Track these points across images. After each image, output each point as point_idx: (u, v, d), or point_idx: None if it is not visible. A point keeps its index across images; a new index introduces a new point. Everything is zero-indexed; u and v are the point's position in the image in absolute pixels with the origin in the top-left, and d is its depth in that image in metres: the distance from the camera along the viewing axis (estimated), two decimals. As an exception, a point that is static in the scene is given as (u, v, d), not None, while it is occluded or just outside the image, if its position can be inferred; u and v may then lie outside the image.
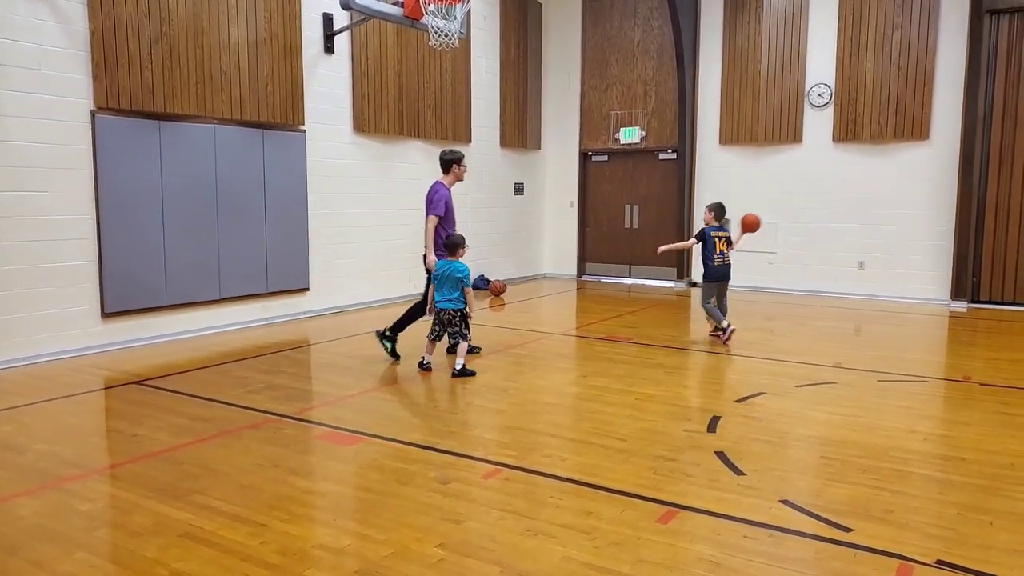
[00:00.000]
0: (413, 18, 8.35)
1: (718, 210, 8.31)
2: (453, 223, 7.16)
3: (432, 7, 8.13)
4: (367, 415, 5.46)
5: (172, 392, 6.06)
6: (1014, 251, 10.54)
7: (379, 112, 10.36)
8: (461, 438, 4.95)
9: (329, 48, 9.54)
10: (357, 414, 5.48)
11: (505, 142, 13.03)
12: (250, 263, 8.83)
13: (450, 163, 7.22)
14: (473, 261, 12.43)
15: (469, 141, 12.13)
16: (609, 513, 3.78)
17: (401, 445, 4.79)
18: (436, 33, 8.06)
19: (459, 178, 7.31)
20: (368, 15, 8.57)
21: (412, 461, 4.51)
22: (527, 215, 13.96)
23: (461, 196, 12.07)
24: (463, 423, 5.28)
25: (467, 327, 6.74)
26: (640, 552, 3.39)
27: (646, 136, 13.27)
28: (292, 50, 9.04)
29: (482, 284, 12.23)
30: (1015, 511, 3.84)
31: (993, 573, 3.22)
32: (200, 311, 8.38)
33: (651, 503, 3.91)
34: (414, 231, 11.18)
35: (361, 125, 10.11)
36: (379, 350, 7.28)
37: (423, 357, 6.81)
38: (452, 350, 7.14)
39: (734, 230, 8.72)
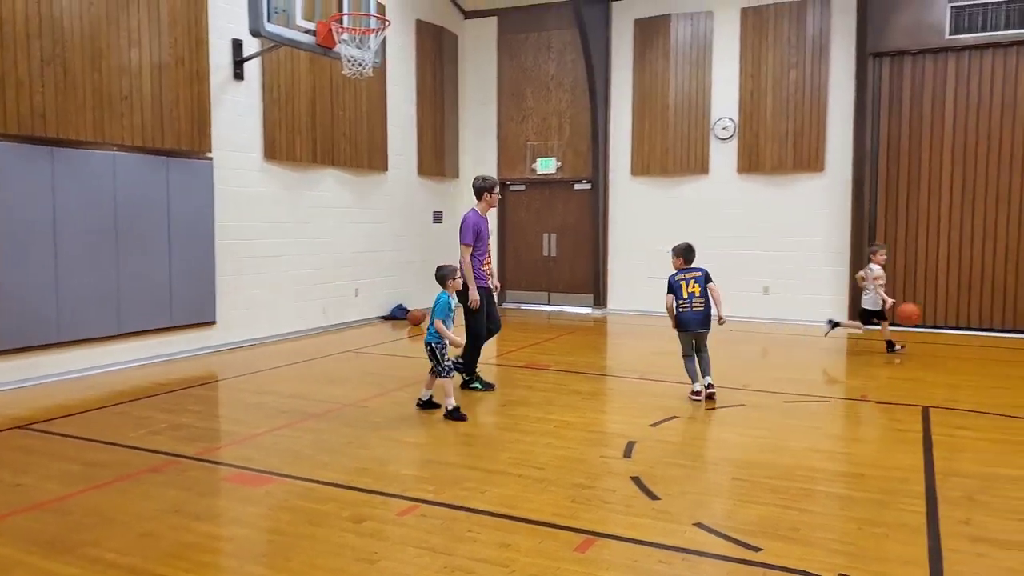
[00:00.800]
0: (326, 47, 8.30)
1: (684, 253, 7.03)
2: (486, 250, 7.12)
3: (345, 36, 8.10)
4: (277, 454, 5.29)
5: (63, 436, 5.71)
6: (903, 275, 11.18)
7: (291, 139, 10.20)
8: (376, 474, 4.85)
9: (239, 74, 9.36)
10: (267, 453, 5.29)
11: (423, 170, 13.03)
12: (152, 296, 8.47)
13: (481, 191, 7.16)
14: (392, 290, 12.34)
15: (385, 169, 12.08)
16: (527, 545, 3.77)
17: (313, 484, 4.65)
18: (350, 62, 8.02)
19: (491, 205, 7.22)
20: (279, 43, 8.46)
21: (325, 501, 4.38)
22: (446, 244, 13.91)
23: (378, 225, 12.01)
24: (378, 459, 5.17)
25: (439, 362, 6.22)
26: (557, 583, 3.38)
27: (562, 167, 13.51)
28: (199, 76, 8.81)
29: (400, 314, 12.12)
30: (907, 523, 4.04)
31: (891, 586, 3.36)
32: (96, 347, 7.97)
33: (569, 532, 3.92)
34: (328, 261, 11.03)
35: (272, 152, 9.92)
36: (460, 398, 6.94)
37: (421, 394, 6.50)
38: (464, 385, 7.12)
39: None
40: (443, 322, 6.20)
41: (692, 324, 6.76)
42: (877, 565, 3.55)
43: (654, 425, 5.96)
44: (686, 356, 6.88)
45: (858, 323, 9.54)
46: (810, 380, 7.84)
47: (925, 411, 6.39)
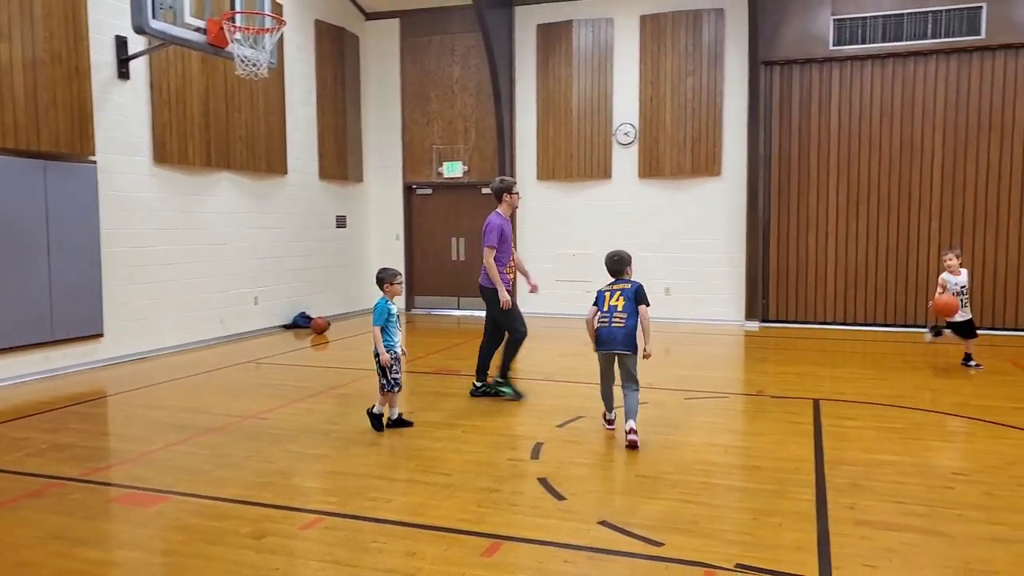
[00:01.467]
0: (217, 46, 7.99)
1: (610, 263, 5.86)
2: (510, 253, 6.96)
3: (238, 35, 7.82)
4: (171, 471, 5.04)
5: (-65, 459, 5.29)
6: (795, 274, 11.74)
7: (183, 142, 9.79)
8: (278, 488, 4.69)
9: (124, 73, 8.90)
10: (159, 471, 5.04)
11: (325, 174, 12.76)
12: (29, 308, 7.93)
13: (500, 192, 7.04)
14: (294, 298, 12.02)
15: (285, 173, 11.76)
16: (433, 552, 3.73)
17: (210, 501, 4.46)
18: (243, 62, 7.76)
19: (513, 206, 7.10)
20: (166, 41, 8.09)
21: (222, 518, 4.21)
22: (351, 249, 13.70)
23: (277, 230, 11.67)
24: (280, 472, 5.02)
25: (383, 373, 5.88)
26: (464, 589, 3.36)
27: (469, 170, 13.51)
28: (79, 73, 8.32)
29: (303, 322, 11.82)
30: (799, 511, 4.22)
31: (782, 570, 3.50)
32: (-28, 364, 7.42)
33: (476, 537, 3.90)
34: (226, 268, 10.65)
35: (162, 156, 9.50)
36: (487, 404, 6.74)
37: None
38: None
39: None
40: (381, 330, 5.88)
41: (607, 342, 5.59)
42: (771, 553, 3.70)
43: (561, 426, 6.02)
44: (602, 380, 5.82)
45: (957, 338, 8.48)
46: (709, 376, 8.11)
47: (815, 403, 6.71)
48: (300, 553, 3.76)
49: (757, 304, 11.76)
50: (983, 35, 10.62)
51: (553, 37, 12.76)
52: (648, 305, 5.64)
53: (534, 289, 7.24)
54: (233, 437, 5.83)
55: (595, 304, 5.77)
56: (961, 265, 8.22)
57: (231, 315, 10.78)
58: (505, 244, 6.87)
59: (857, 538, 3.87)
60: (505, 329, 6.96)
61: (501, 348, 7.03)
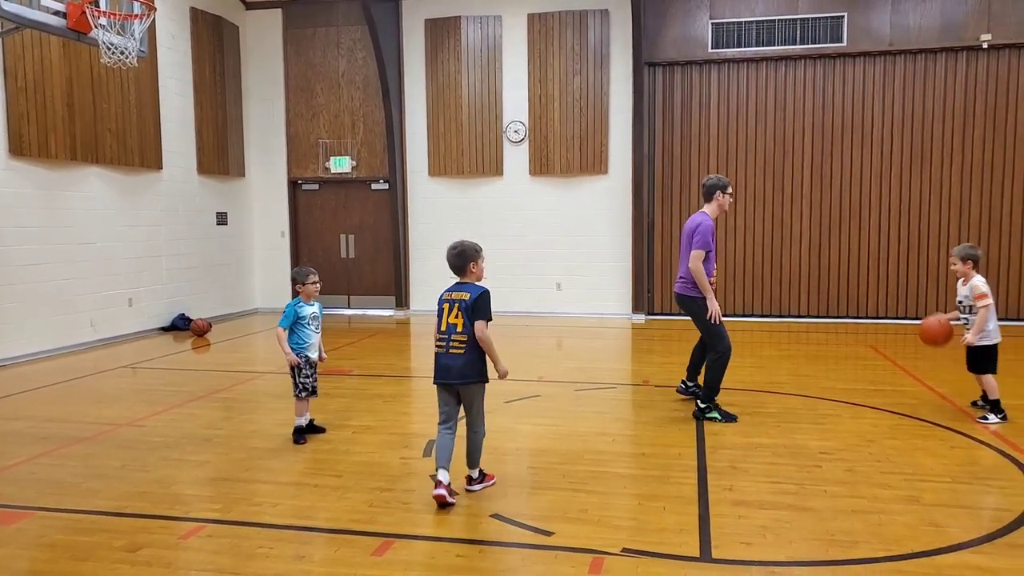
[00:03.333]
0: (80, 31, 7.47)
1: (450, 257, 4.48)
2: (714, 259, 6.23)
3: (104, 21, 7.34)
4: (35, 485, 4.71)
5: None
6: (672, 269, 12.20)
7: (44, 134, 9.14)
8: (155, 497, 4.47)
9: (-23, 60, 8.22)
10: (21, 486, 4.70)
11: (203, 169, 12.22)
12: None
13: (713, 190, 6.21)
14: (172, 299, 11.48)
15: (160, 167, 11.19)
16: (322, 554, 3.66)
17: (79, 515, 4.20)
18: (110, 49, 7.29)
19: (723, 208, 6.25)
20: (20, 24, 7.47)
21: (93, 532, 3.97)
22: (233, 247, 13.19)
23: (152, 228, 11.12)
24: (158, 481, 4.78)
25: (295, 379, 5.59)
26: (354, 589, 3.31)
27: (357, 166, 13.27)
28: (-74, 60, 7.64)
29: (182, 324, 11.29)
30: (682, 495, 4.41)
31: (665, 552, 3.65)
32: None
33: (367, 537, 3.86)
34: (96, 269, 10.04)
35: (19, 149, 8.84)
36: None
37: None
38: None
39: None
40: (289, 332, 5.57)
41: (442, 371, 4.38)
42: (656, 536, 3.84)
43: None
44: (440, 422, 4.48)
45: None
46: (599, 368, 8.33)
47: (697, 392, 6.99)
48: (180, 564, 3.60)
49: (643, 298, 12.16)
50: (845, 43, 11.38)
51: (442, 32, 12.72)
52: (488, 320, 4.31)
53: None
54: (105, 446, 5.51)
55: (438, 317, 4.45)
56: (975, 268, 6.06)
57: (103, 318, 10.16)
58: (711, 250, 6.09)
59: (735, 518, 4.07)
60: (709, 346, 6.16)
61: (704, 368, 6.22)
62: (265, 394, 7.26)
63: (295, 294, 5.81)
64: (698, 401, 6.12)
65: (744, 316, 12.03)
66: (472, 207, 12.92)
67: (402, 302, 13.25)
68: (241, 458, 5.23)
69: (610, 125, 12.28)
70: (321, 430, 5.82)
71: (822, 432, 5.69)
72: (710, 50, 11.80)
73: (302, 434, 5.59)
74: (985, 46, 11.00)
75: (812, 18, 11.44)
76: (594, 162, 12.35)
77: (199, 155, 12.12)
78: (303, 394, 5.61)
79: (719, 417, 6.00)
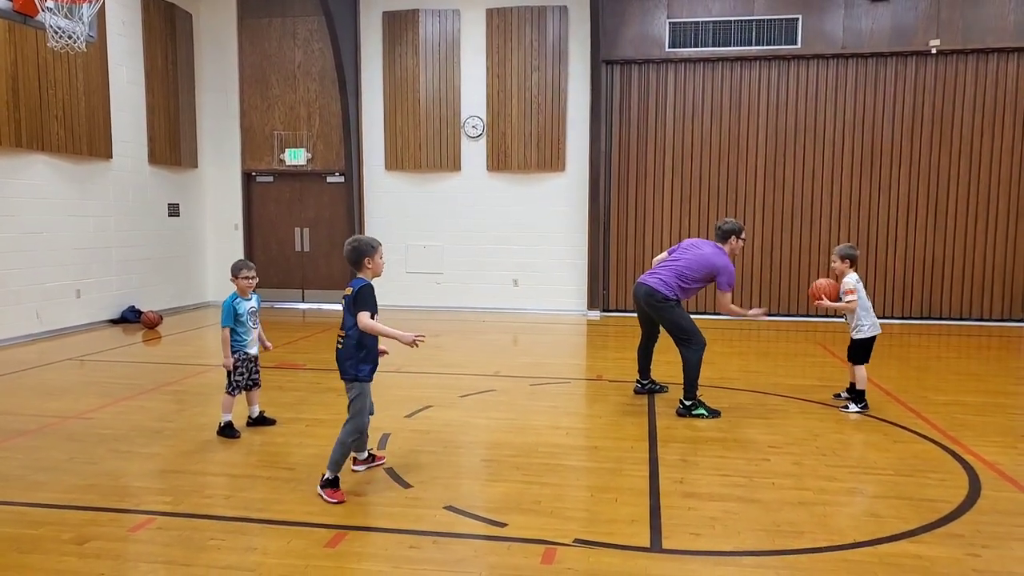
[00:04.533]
0: (25, 13, 7.25)
1: (346, 252, 4.40)
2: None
3: (51, 3, 7.14)
4: (-23, 478, 4.60)
5: None
6: (632, 266, 12.36)
7: (-10, 121, 8.87)
8: (104, 490, 4.40)
9: (-83, 41, 7.93)
10: (-36, 478, 4.58)
11: (155, 159, 11.97)
12: None
13: (729, 234, 6.39)
14: (122, 291, 11.24)
15: (110, 157, 10.93)
16: (275, 546, 3.64)
17: (24, 508, 4.12)
18: (57, 33, 7.10)
19: (734, 252, 6.43)
20: (-34, 6, 7.27)
21: (39, 525, 3.89)
22: (185, 239, 12.94)
23: (101, 218, 10.87)
24: (107, 473, 4.69)
25: (229, 374, 5.57)
26: (307, 581, 3.31)
27: (313, 158, 13.13)
28: None
29: (132, 316, 11.06)
30: (633, 487, 4.49)
31: (616, 543, 3.71)
32: None
33: (320, 529, 3.85)
34: (42, 259, 9.78)
35: (-34, 135, 8.57)
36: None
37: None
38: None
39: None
40: (230, 331, 5.47)
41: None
42: (607, 527, 3.91)
43: (409, 416, 6.03)
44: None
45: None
46: (553, 363, 8.40)
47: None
48: (129, 556, 3.55)
49: (598, 294, 12.28)
50: (799, 44, 11.64)
51: (399, 25, 12.65)
52: (369, 312, 4.21)
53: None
54: (52, 439, 5.38)
55: None
56: (853, 267, 6.32)
57: (49, 309, 9.91)
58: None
59: (685, 509, 4.16)
60: (683, 343, 6.27)
61: (694, 369, 6.25)
62: (217, 387, 7.13)
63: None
64: (682, 399, 6.18)
65: (698, 313, 12.22)
66: (429, 202, 12.89)
67: (358, 296, 13.14)
68: (192, 451, 5.16)
69: (568, 122, 12.36)
70: (271, 422, 5.78)
71: (770, 427, 5.83)
72: (667, 49, 11.95)
73: (233, 429, 5.51)
74: (934, 51, 11.36)
75: (767, 20, 11.67)
76: (551, 159, 12.42)
77: (151, 145, 11.87)
78: (235, 391, 5.55)
79: (705, 413, 6.08)
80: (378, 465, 4.78)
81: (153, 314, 10.79)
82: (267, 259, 13.64)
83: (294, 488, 4.42)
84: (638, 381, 6.89)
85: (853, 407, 6.29)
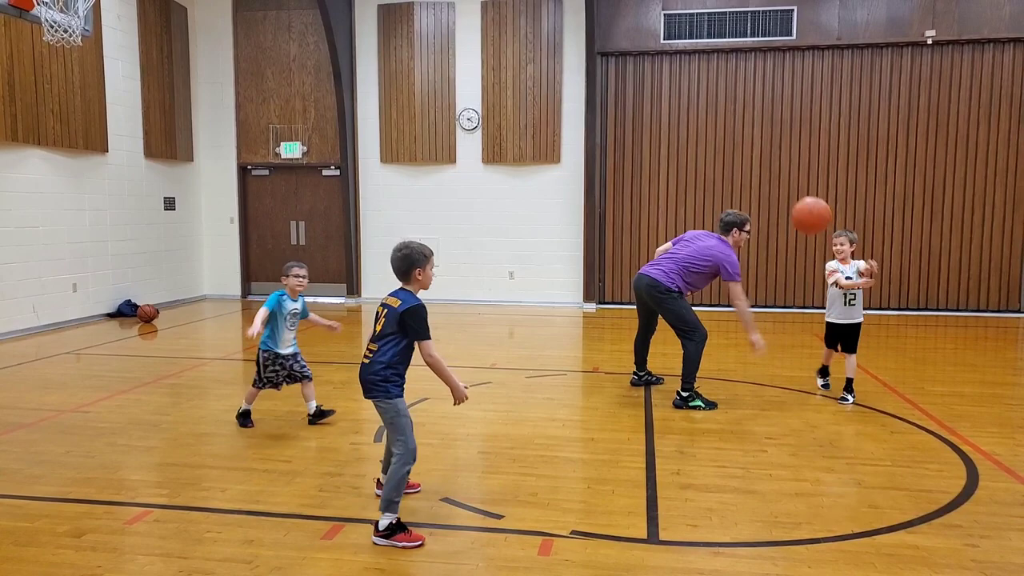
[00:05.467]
0: (22, 8, 7.24)
1: (393, 260, 3.85)
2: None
3: (46, -2, 7.14)
4: (-26, 472, 4.59)
5: None
6: (628, 258, 12.36)
7: (-16, 115, 8.82)
8: (101, 483, 4.39)
9: (-91, 35, 7.89)
10: (-40, 472, 4.57)
11: (151, 152, 11.92)
12: None
13: (731, 225, 6.31)
14: (119, 285, 11.22)
15: (106, 150, 10.89)
16: (271, 538, 3.64)
17: (21, 501, 4.11)
18: (52, 27, 7.08)
19: (738, 245, 6.37)
20: (-39, 0, 7.25)
21: (36, 518, 3.89)
22: (181, 232, 12.91)
23: (98, 212, 10.82)
24: (104, 467, 4.69)
25: (259, 369, 5.53)
26: (304, 572, 3.31)
27: (308, 152, 13.09)
28: None
29: (129, 310, 11.04)
30: (630, 479, 4.49)
31: (614, 534, 3.72)
32: None
33: (316, 521, 3.85)
34: (39, 253, 9.75)
35: (-41, 129, 8.53)
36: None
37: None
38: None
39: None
40: (268, 312, 5.36)
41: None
42: (604, 519, 3.91)
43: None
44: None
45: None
46: (550, 356, 8.40)
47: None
48: (126, 548, 3.55)
49: (594, 287, 12.29)
50: (794, 36, 11.62)
51: (394, 18, 12.60)
52: (426, 339, 3.72)
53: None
54: (48, 433, 5.38)
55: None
56: (854, 255, 6.34)
57: (46, 303, 9.88)
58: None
59: (682, 501, 4.16)
60: (685, 335, 6.26)
61: (695, 361, 6.24)
62: (213, 380, 7.15)
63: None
64: (679, 391, 6.17)
65: (694, 305, 12.22)
66: (424, 194, 12.87)
67: (353, 289, 13.15)
68: (189, 444, 5.16)
69: (563, 114, 12.33)
70: (330, 412, 5.73)
71: (767, 418, 5.84)
72: (662, 41, 11.93)
73: (248, 418, 5.53)
74: (929, 42, 11.35)
75: (762, 11, 11.65)
76: (547, 151, 12.40)
77: (146, 139, 11.82)
78: (262, 386, 5.49)
79: (702, 405, 6.08)
80: (413, 492, 4.20)
81: (149, 308, 10.77)
82: (263, 252, 13.62)
83: (291, 481, 4.42)
84: (635, 373, 6.89)
85: (851, 398, 6.28)
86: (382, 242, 13.01)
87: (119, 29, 11.17)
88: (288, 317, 5.52)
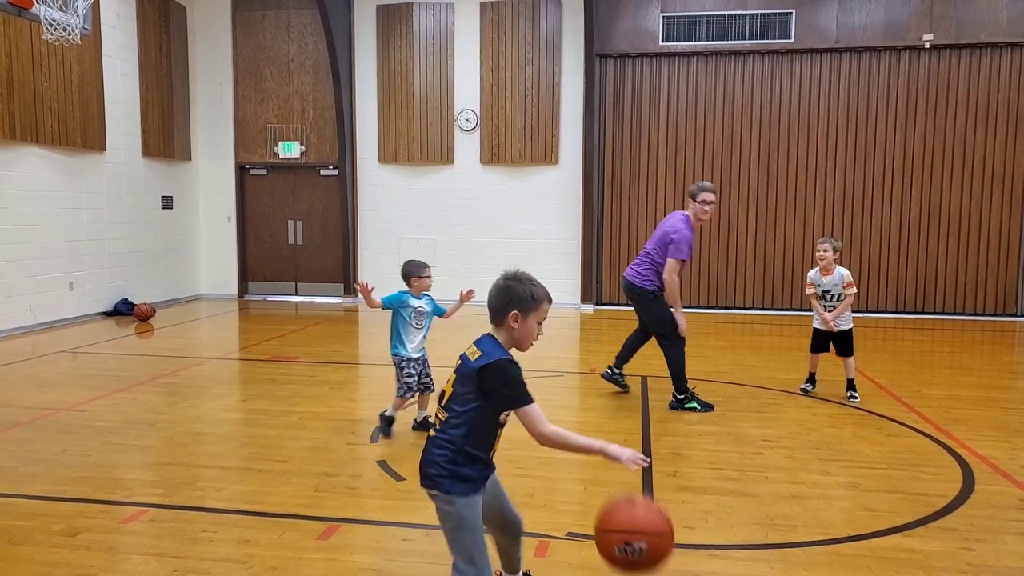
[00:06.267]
0: (20, 6, 7.22)
1: (491, 295, 2.85)
2: (685, 264, 6.03)
3: (45, -4, 7.12)
4: (-31, 470, 4.58)
5: None
6: (626, 259, 12.34)
7: (-19, 112, 8.81)
8: (96, 482, 4.38)
9: (-94, 32, 7.86)
10: (-45, 470, 4.56)
11: (149, 151, 11.91)
12: None
13: (689, 198, 6.08)
14: (115, 283, 11.20)
15: (104, 149, 10.87)
16: (267, 538, 3.63)
17: (15, 499, 4.10)
18: (51, 26, 7.07)
19: (699, 217, 6.00)
20: (-41, -3, 7.23)
21: (30, 516, 3.88)
22: (178, 231, 12.89)
23: (95, 210, 10.81)
24: (99, 465, 4.68)
25: (399, 376, 5.26)
26: (300, 572, 3.31)
27: (306, 151, 13.09)
28: None
29: (125, 309, 11.02)
30: (626, 480, 4.47)
31: (611, 536, 3.71)
32: None
33: (312, 521, 3.84)
34: (35, 251, 9.74)
35: (-44, 126, 8.51)
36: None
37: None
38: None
39: None
40: (393, 315, 5.20)
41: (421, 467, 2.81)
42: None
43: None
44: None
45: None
46: (547, 357, 8.38)
47: (643, 380, 7.12)
48: (121, 548, 3.54)
49: (591, 288, 12.29)
50: (792, 39, 11.64)
51: (393, 18, 12.60)
52: (528, 404, 2.65)
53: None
54: (44, 431, 5.36)
55: None
56: (838, 261, 6.34)
57: (42, 302, 9.86)
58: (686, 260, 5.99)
59: (678, 502, 4.16)
60: (664, 337, 6.12)
61: (678, 363, 6.12)
62: (210, 380, 7.14)
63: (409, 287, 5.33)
64: (674, 393, 6.14)
65: (691, 307, 12.24)
66: (423, 195, 12.87)
67: (350, 289, 13.14)
68: (185, 443, 5.15)
69: (561, 116, 12.34)
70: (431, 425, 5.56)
71: (764, 420, 5.84)
72: (661, 43, 11.94)
73: (389, 427, 5.27)
74: (927, 46, 11.37)
75: (761, 14, 11.67)
76: (545, 152, 12.41)
77: (144, 137, 11.81)
78: (406, 393, 5.22)
79: (698, 407, 6.04)
80: None
81: (146, 306, 10.75)
82: (260, 252, 13.61)
83: (287, 480, 4.41)
84: (609, 366, 6.65)
85: (857, 396, 6.38)
86: (380, 242, 13.02)
87: (118, 28, 11.15)
88: (414, 316, 5.24)
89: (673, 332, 6.09)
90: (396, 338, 5.24)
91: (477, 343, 2.77)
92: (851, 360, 6.40)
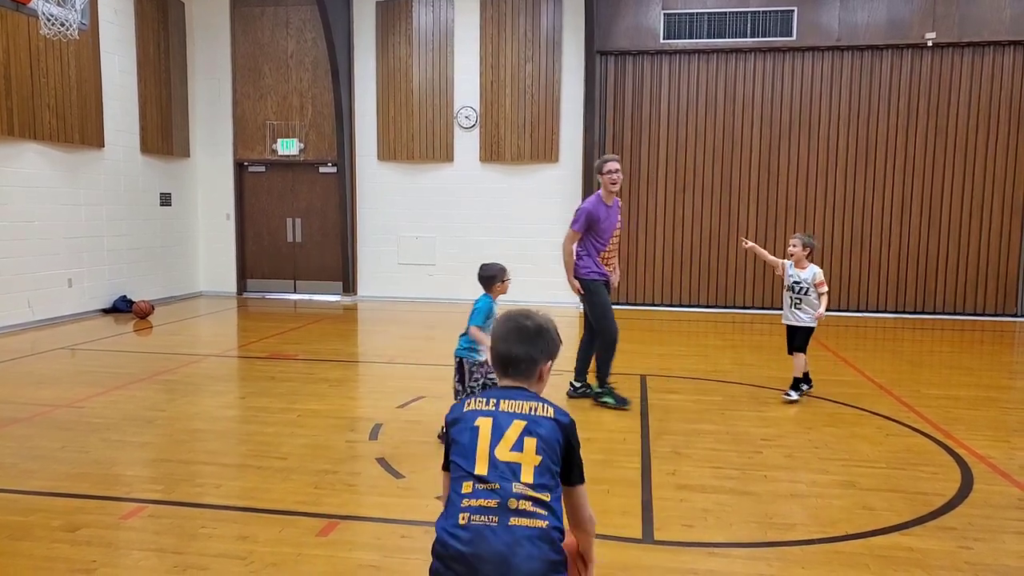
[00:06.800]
0: (19, 1, 7.21)
1: (522, 334, 2.32)
2: (607, 241, 6.22)
3: (44, -9, 7.11)
4: (-32, 466, 4.57)
5: None
6: (625, 258, 12.35)
7: (-20, 108, 8.79)
8: (95, 478, 4.37)
9: (-95, 27, 7.85)
10: (-46, 466, 4.56)
11: (147, 148, 11.89)
12: None
13: (598, 171, 6.20)
14: (114, 280, 11.18)
15: (102, 145, 10.85)
16: (266, 535, 3.63)
17: (15, 495, 4.10)
18: (49, 21, 7.06)
19: (608, 188, 6.10)
20: (-42, -8, 7.21)
21: (30, 512, 3.87)
22: (177, 228, 12.87)
23: (93, 207, 10.79)
24: (98, 462, 4.67)
25: (465, 381, 5.14)
26: (299, 568, 3.30)
27: (305, 148, 13.07)
28: None
29: (124, 306, 11.00)
30: (626, 478, 4.49)
31: (609, 534, 3.71)
32: None
33: (311, 518, 3.84)
34: (33, 248, 9.73)
35: (-45, 122, 8.49)
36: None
37: None
38: None
39: None
40: (480, 329, 5.09)
41: (467, 566, 1.94)
42: (599, 518, 3.80)
43: (401, 407, 6.01)
44: None
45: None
46: (547, 355, 8.39)
47: (643, 379, 7.12)
48: (120, 543, 3.54)
49: (592, 286, 12.26)
50: (794, 36, 11.62)
51: (393, 15, 12.58)
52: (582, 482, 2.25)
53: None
54: (43, 428, 5.35)
55: (453, 455, 2.17)
56: (810, 257, 6.35)
57: (41, 298, 9.85)
58: (598, 231, 6.14)
59: (677, 501, 4.16)
60: (598, 329, 6.24)
61: (596, 353, 6.29)
62: (208, 377, 7.14)
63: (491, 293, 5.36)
64: (592, 385, 6.25)
65: (691, 306, 12.24)
66: (422, 192, 12.86)
67: (349, 287, 13.13)
68: (184, 440, 5.14)
69: (561, 113, 12.33)
70: None
71: (763, 419, 5.84)
72: (662, 41, 11.92)
73: None
74: (929, 44, 11.36)
75: (762, 11, 11.65)
76: (545, 150, 12.39)
77: (143, 134, 11.79)
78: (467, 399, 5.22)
79: (612, 402, 6.08)
80: None
81: (145, 303, 10.74)
82: (259, 249, 13.59)
83: (286, 477, 4.41)
84: (571, 383, 6.60)
85: (794, 394, 6.33)
86: (379, 240, 13.00)
87: (116, 24, 11.13)
88: (490, 320, 5.22)
89: (605, 326, 6.14)
90: (469, 343, 5.16)
91: (524, 397, 2.19)
92: (800, 357, 6.38)
